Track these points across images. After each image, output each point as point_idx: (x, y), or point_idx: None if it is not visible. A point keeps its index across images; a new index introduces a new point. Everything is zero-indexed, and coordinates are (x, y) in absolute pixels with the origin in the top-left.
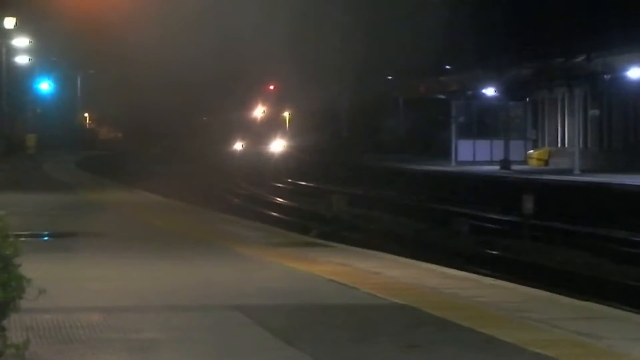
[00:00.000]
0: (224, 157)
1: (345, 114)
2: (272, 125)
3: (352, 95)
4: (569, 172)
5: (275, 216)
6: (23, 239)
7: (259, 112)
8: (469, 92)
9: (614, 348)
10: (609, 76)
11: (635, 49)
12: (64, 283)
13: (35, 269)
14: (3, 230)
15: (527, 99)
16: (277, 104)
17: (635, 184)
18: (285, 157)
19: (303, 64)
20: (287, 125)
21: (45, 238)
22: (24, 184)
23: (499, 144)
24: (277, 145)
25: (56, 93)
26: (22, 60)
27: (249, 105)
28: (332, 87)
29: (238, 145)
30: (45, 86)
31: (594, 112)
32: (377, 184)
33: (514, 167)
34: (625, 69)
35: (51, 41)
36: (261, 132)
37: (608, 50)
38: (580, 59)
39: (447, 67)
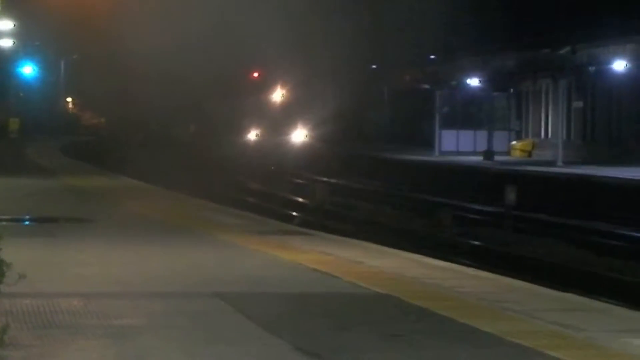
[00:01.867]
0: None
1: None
2: (291, 112)
3: (338, 85)
4: (552, 163)
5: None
6: (4, 223)
7: (277, 96)
8: (453, 83)
9: (594, 340)
10: (593, 68)
11: (620, 41)
12: (45, 268)
13: (15, 253)
14: None
15: (511, 90)
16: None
17: (618, 176)
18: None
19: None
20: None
21: (27, 223)
22: (6, 168)
23: (482, 135)
24: (298, 135)
25: (39, 77)
26: (5, 43)
27: (265, 88)
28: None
29: (252, 135)
30: (28, 70)
31: (577, 104)
32: (360, 174)
33: (497, 158)
34: (610, 61)
35: (36, 25)
36: (280, 120)
37: (593, 42)
38: (565, 50)
39: (432, 57)
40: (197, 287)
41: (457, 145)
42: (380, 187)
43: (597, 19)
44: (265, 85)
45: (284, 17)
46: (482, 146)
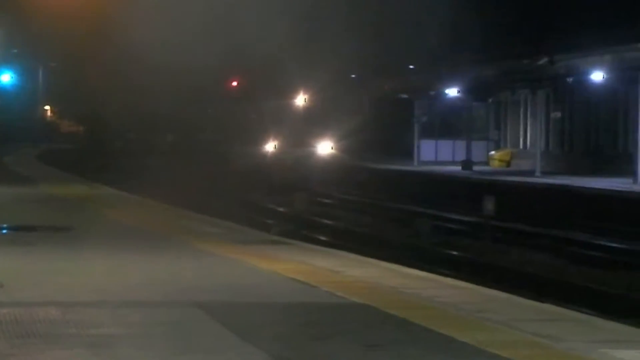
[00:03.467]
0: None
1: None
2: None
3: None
4: (530, 173)
5: None
6: None
7: (299, 100)
8: (432, 92)
9: (573, 350)
10: (571, 79)
11: (597, 52)
12: (23, 277)
13: None
14: None
15: (490, 100)
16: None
17: (595, 186)
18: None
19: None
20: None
21: (4, 231)
22: None
23: (461, 145)
24: (324, 148)
25: (17, 84)
26: None
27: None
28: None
29: (270, 146)
30: (6, 78)
31: (555, 115)
32: (340, 183)
33: (476, 167)
34: (588, 72)
35: (14, 32)
36: (302, 129)
37: (571, 53)
38: (543, 61)
39: (411, 66)
40: (176, 296)
41: (436, 154)
42: (360, 196)
43: (575, 30)
44: (245, 95)
45: (265, 24)
46: (461, 156)
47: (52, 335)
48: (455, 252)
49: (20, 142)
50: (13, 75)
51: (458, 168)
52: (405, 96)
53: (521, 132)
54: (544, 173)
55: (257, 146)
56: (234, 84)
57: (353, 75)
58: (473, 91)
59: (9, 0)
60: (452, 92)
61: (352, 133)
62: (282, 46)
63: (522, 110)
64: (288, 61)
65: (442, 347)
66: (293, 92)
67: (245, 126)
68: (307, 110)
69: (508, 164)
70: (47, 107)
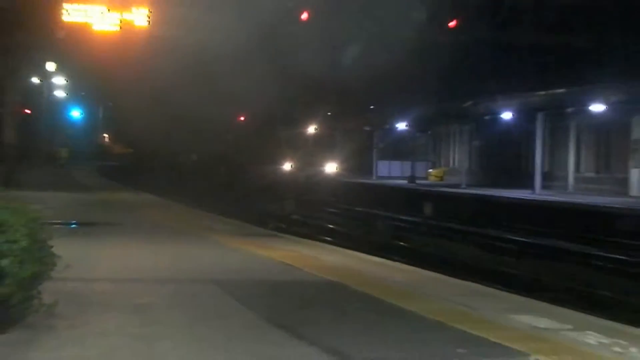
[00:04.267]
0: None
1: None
2: (323, 145)
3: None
4: (458, 186)
5: None
6: (56, 226)
7: (310, 129)
8: (387, 126)
9: (486, 316)
10: (489, 117)
11: (508, 97)
12: (84, 259)
13: (63, 249)
14: (40, 220)
15: (430, 131)
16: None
17: (505, 196)
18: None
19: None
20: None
21: (72, 226)
22: (58, 186)
23: (407, 164)
24: (330, 167)
25: (83, 119)
26: (59, 94)
27: (300, 123)
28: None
29: (287, 165)
30: (76, 114)
31: (476, 143)
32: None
33: (419, 181)
34: (500, 112)
35: (81, 80)
36: (313, 152)
37: (489, 97)
38: (468, 103)
39: (371, 107)
40: (197, 275)
41: (389, 171)
42: (334, 202)
43: (495, 79)
44: (249, 124)
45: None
46: (407, 172)
47: (106, 303)
48: (402, 243)
49: (85, 161)
50: (81, 112)
51: (405, 182)
52: (367, 128)
53: (451, 155)
54: (468, 185)
55: (276, 165)
56: (242, 118)
57: (329, 113)
58: (417, 125)
59: (79, 57)
60: (402, 125)
61: (343, 156)
62: (284, 92)
63: (452, 139)
64: (289, 102)
65: (393, 314)
66: (301, 125)
67: (265, 149)
68: (313, 138)
69: (442, 178)
70: (105, 135)
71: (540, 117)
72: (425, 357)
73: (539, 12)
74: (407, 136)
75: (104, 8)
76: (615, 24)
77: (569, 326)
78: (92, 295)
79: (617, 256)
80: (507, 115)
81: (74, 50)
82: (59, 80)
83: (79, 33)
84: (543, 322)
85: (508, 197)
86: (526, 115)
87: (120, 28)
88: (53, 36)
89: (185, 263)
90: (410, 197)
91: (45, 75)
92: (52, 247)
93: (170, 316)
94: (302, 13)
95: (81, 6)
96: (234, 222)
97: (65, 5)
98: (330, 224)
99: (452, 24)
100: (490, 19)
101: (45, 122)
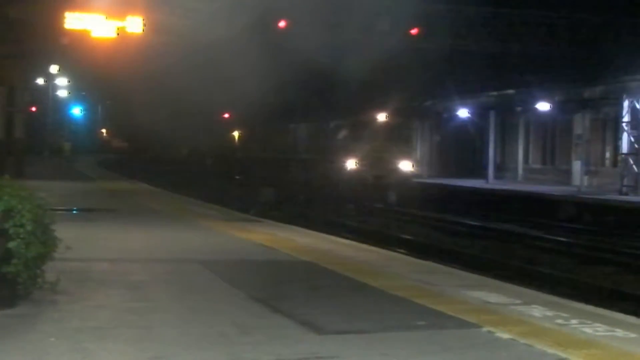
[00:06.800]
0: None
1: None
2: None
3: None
4: (420, 176)
5: None
6: (59, 212)
7: (381, 117)
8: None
9: (444, 292)
10: (446, 115)
11: (464, 97)
12: (84, 242)
13: (65, 232)
14: (44, 206)
15: None
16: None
17: (461, 185)
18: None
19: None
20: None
21: (74, 211)
22: (61, 176)
23: None
24: (405, 166)
25: (84, 115)
26: (62, 93)
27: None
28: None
29: (350, 164)
30: (77, 111)
31: (436, 138)
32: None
33: None
34: (456, 110)
35: (82, 81)
36: (382, 149)
37: (447, 97)
38: (429, 103)
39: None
40: (184, 255)
41: None
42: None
43: (452, 80)
44: (231, 125)
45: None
46: None
47: (104, 280)
48: (370, 227)
49: (86, 154)
50: (81, 109)
51: None
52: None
53: (415, 150)
54: (430, 176)
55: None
56: (226, 115)
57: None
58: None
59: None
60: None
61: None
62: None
63: (415, 135)
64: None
65: (360, 290)
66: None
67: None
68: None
69: None
70: (104, 130)
71: (492, 115)
72: (388, 328)
73: (492, 22)
74: None
75: (102, 17)
76: (564, 36)
77: (517, 301)
78: (91, 274)
79: (559, 238)
80: (463, 113)
81: (75, 54)
82: (62, 81)
83: (79, 39)
84: (494, 297)
85: (464, 186)
86: (480, 113)
87: (117, 34)
88: (57, 42)
89: (174, 245)
90: (376, 186)
91: (50, 77)
92: (54, 230)
93: (159, 291)
94: (279, 21)
95: (81, 15)
96: (218, 208)
97: (67, 15)
98: (303, 210)
99: (414, 31)
100: (449, 28)
101: (49, 119)
